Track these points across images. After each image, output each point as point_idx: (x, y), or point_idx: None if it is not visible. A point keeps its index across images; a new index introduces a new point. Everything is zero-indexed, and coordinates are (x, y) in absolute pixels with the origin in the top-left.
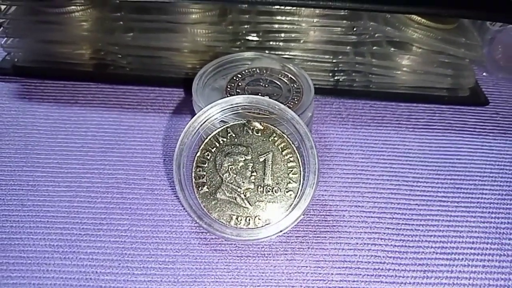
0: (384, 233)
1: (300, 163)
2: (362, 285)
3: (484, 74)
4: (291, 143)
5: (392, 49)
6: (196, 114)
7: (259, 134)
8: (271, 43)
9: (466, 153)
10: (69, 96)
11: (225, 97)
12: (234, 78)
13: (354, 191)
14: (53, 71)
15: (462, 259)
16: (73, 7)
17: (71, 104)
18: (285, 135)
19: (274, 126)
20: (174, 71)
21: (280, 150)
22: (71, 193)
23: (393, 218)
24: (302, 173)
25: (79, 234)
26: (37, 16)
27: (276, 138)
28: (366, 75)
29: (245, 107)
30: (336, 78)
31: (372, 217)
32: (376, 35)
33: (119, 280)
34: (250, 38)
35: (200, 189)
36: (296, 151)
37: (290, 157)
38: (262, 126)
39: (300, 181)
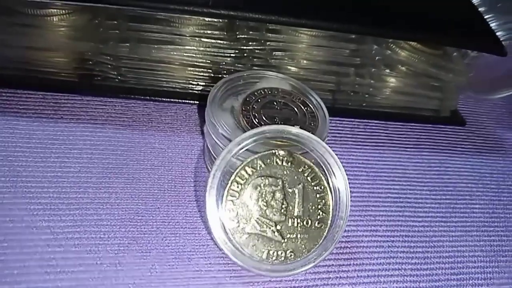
0: (400, 256)
1: (330, 194)
2: None
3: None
4: (321, 174)
5: (388, 71)
6: (208, 136)
7: (289, 165)
8: (276, 61)
9: (453, 173)
10: (51, 110)
11: (242, 120)
12: (247, 99)
13: (366, 215)
14: (29, 79)
15: (469, 278)
16: (55, 10)
17: (56, 119)
18: (314, 166)
19: (303, 156)
20: (170, 84)
21: (310, 180)
22: (78, 228)
23: (405, 241)
24: (332, 204)
25: (97, 277)
26: (12, 17)
27: (305, 169)
28: (362, 95)
29: (273, 136)
30: (335, 97)
31: (387, 241)
32: (377, 58)
33: None
34: (256, 55)
35: (231, 224)
36: (325, 182)
37: (320, 188)
38: (292, 156)
39: (330, 212)
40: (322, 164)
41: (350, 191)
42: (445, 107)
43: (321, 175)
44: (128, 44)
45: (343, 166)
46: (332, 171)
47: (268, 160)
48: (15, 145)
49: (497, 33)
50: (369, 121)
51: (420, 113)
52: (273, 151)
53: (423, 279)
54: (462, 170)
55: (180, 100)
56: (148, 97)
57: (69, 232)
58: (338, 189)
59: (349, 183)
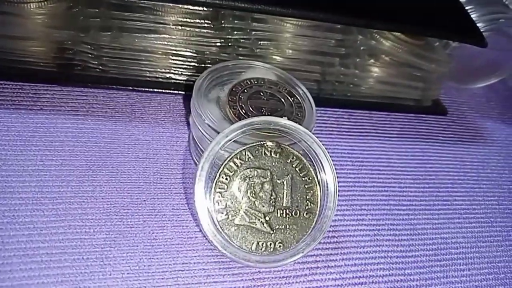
0: (386, 245)
1: (318, 185)
2: None
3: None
4: (309, 165)
5: (372, 61)
6: (194, 127)
7: (277, 156)
8: (261, 50)
9: (435, 161)
10: (30, 101)
11: (229, 111)
12: (234, 90)
13: (353, 204)
14: (6, 69)
15: (452, 264)
16: None
17: (36, 110)
18: (302, 157)
19: (291, 147)
20: (153, 74)
21: (298, 171)
22: (62, 223)
23: (390, 229)
24: (320, 194)
25: (84, 273)
26: None
27: (294, 160)
28: (347, 85)
29: (261, 128)
30: (320, 87)
31: (373, 230)
32: (361, 48)
33: None
34: (241, 45)
35: (219, 216)
36: (313, 173)
37: (308, 178)
38: (281, 147)
39: (318, 202)
40: (310, 155)
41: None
42: (427, 96)
43: (309, 166)
44: (110, 33)
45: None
46: (320, 162)
47: (257, 152)
48: None
49: (478, 24)
50: (354, 111)
51: (403, 103)
52: (262, 143)
53: (409, 266)
54: (443, 159)
55: (164, 90)
56: (131, 87)
57: (53, 227)
58: (326, 180)
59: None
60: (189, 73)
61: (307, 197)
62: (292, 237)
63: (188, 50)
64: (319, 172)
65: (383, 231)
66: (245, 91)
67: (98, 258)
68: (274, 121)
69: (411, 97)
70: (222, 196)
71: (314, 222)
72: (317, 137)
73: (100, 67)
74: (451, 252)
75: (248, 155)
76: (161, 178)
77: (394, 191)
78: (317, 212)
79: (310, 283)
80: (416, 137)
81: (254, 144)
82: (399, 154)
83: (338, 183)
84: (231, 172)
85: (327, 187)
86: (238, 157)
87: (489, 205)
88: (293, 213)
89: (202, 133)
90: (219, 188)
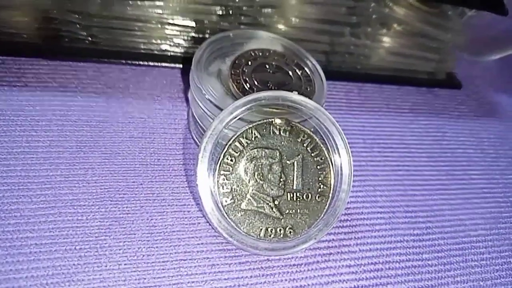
0: (402, 228)
1: (332, 166)
2: (396, 286)
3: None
4: (321, 144)
5: (384, 30)
6: (194, 103)
7: (287, 135)
8: (265, 19)
9: (451, 138)
10: (13, 77)
11: (232, 85)
12: (237, 62)
13: (365, 185)
14: None
15: (471, 247)
16: None
17: (20, 87)
18: (313, 135)
19: (301, 125)
20: (147, 46)
21: (310, 151)
22: (51, 210)
23: (406, 211)
24: (333, 176)
25: (77, 264)
26: None
27: (305, 138)
28: (357, 56)
29: (268, 104)
30: (329, 59)
31: (387, 212)
32: (374, 16)
33: None
34: (243, 13)
35: (224, 200)
36: (326, 153)
37: (320, 158)
38: (290, 125)
39: (331, 184)
40: (322, 133)
41: None
42: (441, 69)
43: (321, 145)
44: (99, 1)
45: None
46: (333, 140)
47: (264, 130)
48: None
49: None
50: (364, 84)
51: (416, 76)
52: (270, 120)
53: (426, 250)
54: (460, 135)
55: (159, 64)
56: (123, 61)
57: (41, 215)
58: (340, 160)
59: None
60: (187, 45)
61: (319, 179)
62: (303, 222)
63: (185, 19)
64: (332, 152)
65: (399, 213)
66: (249, 63)
67: (92, 248)
68: (283, 95)
69: (425, 70)
70: (227, 179)
71: (327, 206)
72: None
73: (90, 38)
74: (470, 235)
75: (255, 134)
76: (159, 159)
77: (408, 170)
78: (330, 195)
79: (323, 271)
80: (430, 112)
81: (261, 121)
82: (412, 131)
83: None
84: (237, 152)
85: (341, 167)
86: (244, 136)
87: (507, 183)
88: (304, 197)
89: (202, 109)
90: (224, 171)
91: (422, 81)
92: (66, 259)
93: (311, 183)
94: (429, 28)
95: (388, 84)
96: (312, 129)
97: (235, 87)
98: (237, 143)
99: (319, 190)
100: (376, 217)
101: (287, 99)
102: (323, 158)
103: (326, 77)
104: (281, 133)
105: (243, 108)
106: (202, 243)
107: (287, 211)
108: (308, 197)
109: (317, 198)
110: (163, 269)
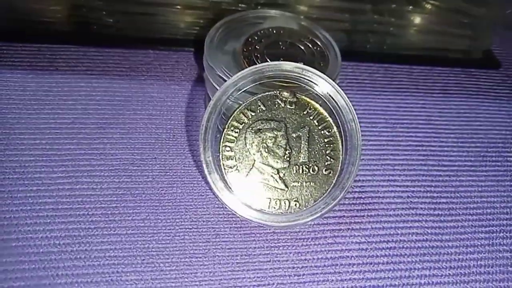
0: (421, 208)
1: (339, 138)
2: (409, 265)
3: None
4: (328, 116)
5: (411, 7)
6: (208, 83)
7: (293, 107)
8: None
9: (485, 119)
10: (46, 62)
11: (243, 62)
12: (250, 40)
13: (384, 163)
14: (24, 31)
15: (500, 231)
16: None
17: (51, 71)
18: (321, 107)
19: (308, 97)
20: (170, 31)
21: (317, 124)
22: (69, 179)
23: (427, 191)
24: (342, 149)
25: (88, 228)
26: None
27: (311, 111)
28: (382, 35)
29: (273, 76)
30: (351, 39)
31: (406, 191)
32: None
33: (147, 279)
34: None
35: (229, 171)
36: (334, 125)
37: (327, 131)
38: (296, 97)
39: (340, 158)
40: (330, 105)
41: (367, 140)
42: (476, 47)
43: (328, 117)
44: None
45: (359, 113)
46: (341, 112)
47: (270, 102)
48: (9, 97)
49: None
50: (391, 65)
51: (448, 55)
52: (275, 93)
53: (447, 232)
54: (495, 117)
55: (180, 48)
56: (147, 47)
57: (60, 183)
58: (349, 132)
59: (366, 130)
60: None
61: (327, 152)
62: (309, 195)
63: (203, 1)
64: (340, 124)
65: (419, 193)
66: (262, 41)
67: (103, 214)
68: (286, 64)
69: (459, 48)
70: (232, 151)
71: (335, 179)
72: (346, 94)
73: (116, 24)
74: (500, 218)
75: (259, 106)
76: (174, 135)
77: (433, 150)
78: (338, 169)
79: (331, 246)
80: (463, 93)
81: (267, 93)
82: (441, 111)
83: (368, 141)
84: (241, 124)
85: (350, 140)
86: (249, 108)
87: None
88: (310, 170)
89: (215, 87)
90: (229, 142)
91: (456, 61)
92: (78, 223)
93: (318, 156)
94: (461, 2)
95: (417, 65)
96: (319, 102)
97: (246, 63)
98: (241, 115)
99: (326, 163)
100: (393, 195)
101: (290, 69)
102: (330, 130)
103: (349, 58)
104: (287, 105)
105: (248, 80)
106: (208, 214)
107: (292, 183)
108: (315, 170)
109: (324, 171)
110: (168, 236)
